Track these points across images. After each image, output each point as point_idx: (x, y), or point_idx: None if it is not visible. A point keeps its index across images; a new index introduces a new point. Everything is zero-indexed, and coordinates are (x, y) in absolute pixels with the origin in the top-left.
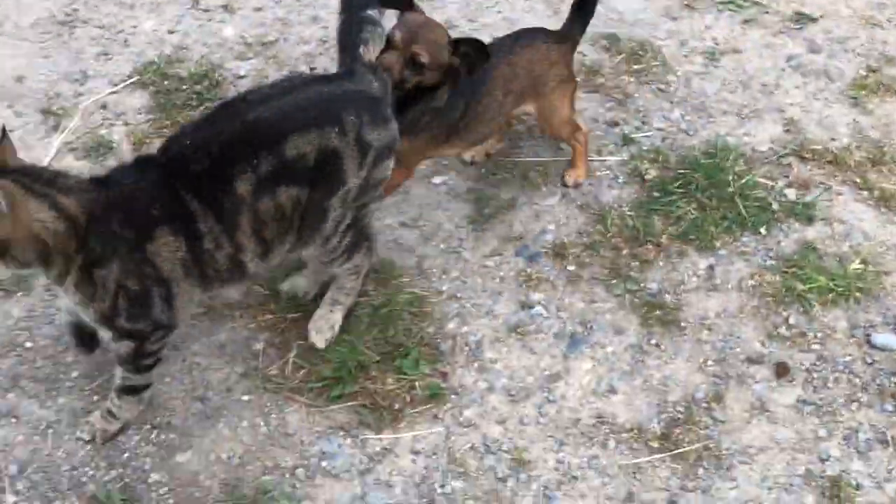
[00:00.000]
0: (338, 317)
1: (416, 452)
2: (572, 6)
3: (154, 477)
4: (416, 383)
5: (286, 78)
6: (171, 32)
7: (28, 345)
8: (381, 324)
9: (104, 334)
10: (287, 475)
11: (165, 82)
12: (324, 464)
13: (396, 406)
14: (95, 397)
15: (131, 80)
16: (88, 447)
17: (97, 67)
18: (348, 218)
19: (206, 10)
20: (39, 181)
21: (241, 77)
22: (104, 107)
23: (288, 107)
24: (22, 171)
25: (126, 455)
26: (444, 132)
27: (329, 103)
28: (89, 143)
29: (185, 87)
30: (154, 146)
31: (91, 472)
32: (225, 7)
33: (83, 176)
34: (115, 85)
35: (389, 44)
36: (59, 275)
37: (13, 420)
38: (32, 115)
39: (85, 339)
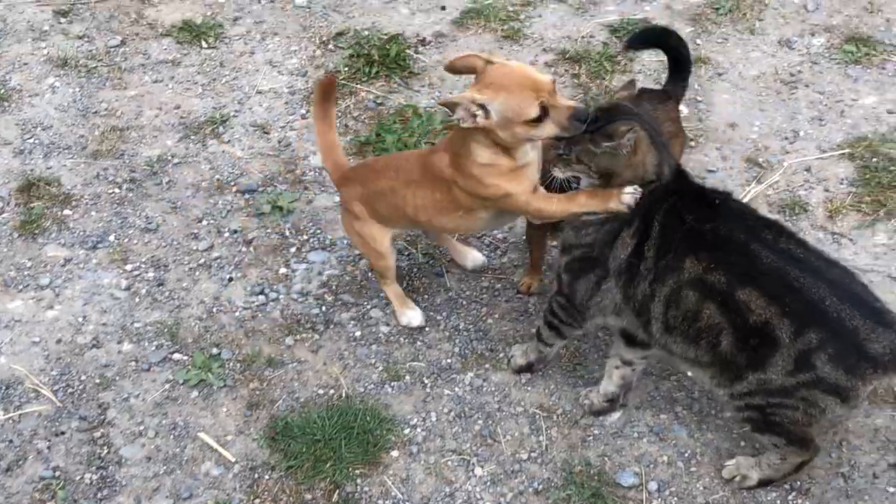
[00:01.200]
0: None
1: None
2: (669, 66)
3: None
4: None
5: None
6: (889, 113)
7: (689, 374)
8: None
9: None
10: None
11: (874, 159)
12: None
13: None
14: (742, 443)
15: (841, 151)
16: (727, 486)
17: (809, 130)
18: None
19: None
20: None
21: None
22: (808, 169)
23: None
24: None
25: None
26: None
27: None
28: (786, 200)
29: (893, 167)
30: (850, 218)
31: None
32: None
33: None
34: (824, 151)
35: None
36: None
37: (661, 440)
38: (737, 161)
39: None
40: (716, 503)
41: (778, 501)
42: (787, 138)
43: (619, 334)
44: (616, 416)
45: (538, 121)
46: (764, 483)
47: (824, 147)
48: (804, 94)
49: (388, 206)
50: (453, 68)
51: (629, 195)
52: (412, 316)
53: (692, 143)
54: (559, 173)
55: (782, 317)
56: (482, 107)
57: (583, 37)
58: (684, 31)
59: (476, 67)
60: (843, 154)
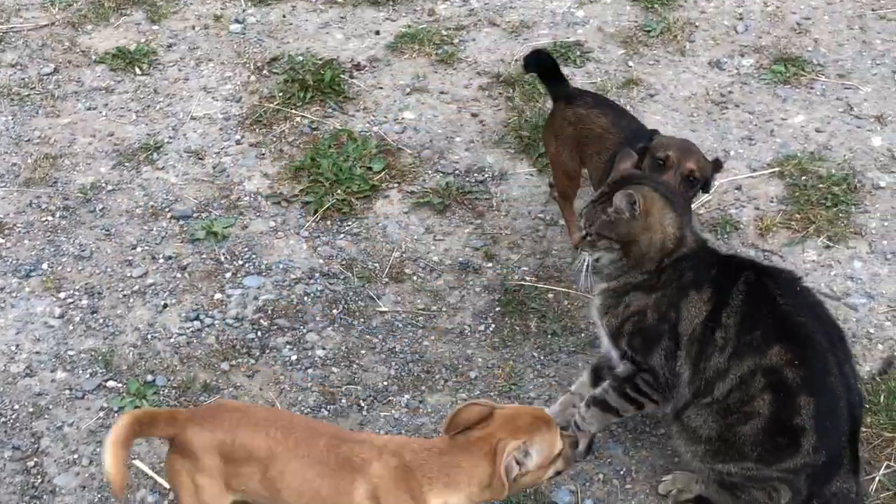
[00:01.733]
0: None
1: None
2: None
3: None
4: None
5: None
6: (818, 131)
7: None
8: None
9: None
10: None
11: (803, 177)
12: None
13: None
14: (676, 458)
15: (771, 169)
16: (663, 502)
17: (739, 149)
18: None
19: (857, 117)
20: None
21: (881, 187)
22: (739, 188)
23: None
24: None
25: None
26: None
27: None
28: (717, 219)
29: (822, 185)
30: (780, 236)
31: None
32: (878, 118)
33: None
34: (754, 170)
35: (664, 163)
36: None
37: (597, 459)
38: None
39: None
40: None
41: None
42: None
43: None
44: None
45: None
46: (702, 501)
47: (754, 166)
48: (734, 113)
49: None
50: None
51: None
52: None
53: None
54: (587, 255)
55: (814, 433)
56: (526, 451)
57: (516, 60)
58: (616, 53)
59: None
60: (773, 173)
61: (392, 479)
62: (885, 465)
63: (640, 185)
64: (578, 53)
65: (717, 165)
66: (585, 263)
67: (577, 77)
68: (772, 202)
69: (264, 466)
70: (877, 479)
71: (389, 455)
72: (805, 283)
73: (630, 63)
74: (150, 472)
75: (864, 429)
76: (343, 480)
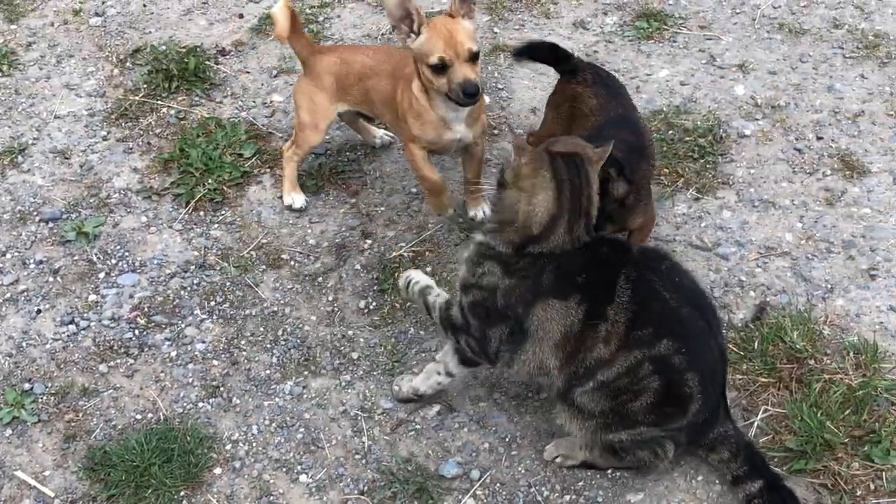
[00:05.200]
0: None
1: None
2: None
3: None
4: (884, 474)
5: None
6: (682, 84)
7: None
8: (854, 406)
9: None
10: None
11: (670, 131)
12: None
13: (858, 493)
14: (558, 420)
15: None
16: (548, 467)
17: None
18: None
19: (720, 67)
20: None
21: (746, 136)
22: None
23: None
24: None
25: (581, 483)
26: None
27: None
28: None
29: (688, 138)
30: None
31: (546, 493)
32: (741, 66)
33: None
34: None
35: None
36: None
37: (482, 428)
38: None
39: None
40: (538, 484)
41: (599, 476)
42: None
43: (457, 353)
44: (435, 409)
45: (438, 70)
46: (588, 466)
47: None
48: None
49: (357, 85)
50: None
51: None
52: (296, 198)
53: (495, 132)
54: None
55: (699, 398)
56: (414, 32)
57: (382, 34)
58: (482, 20)
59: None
60: None
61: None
62: (762, 409)
63: (553, 157)
64: None
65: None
66: (470, 249)
67: None
68: None
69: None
70: (755, 423)
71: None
72: (675, 262)
73: (496, 29)
74: (33, 482)
75: (739, 376)
76: (396, 81)
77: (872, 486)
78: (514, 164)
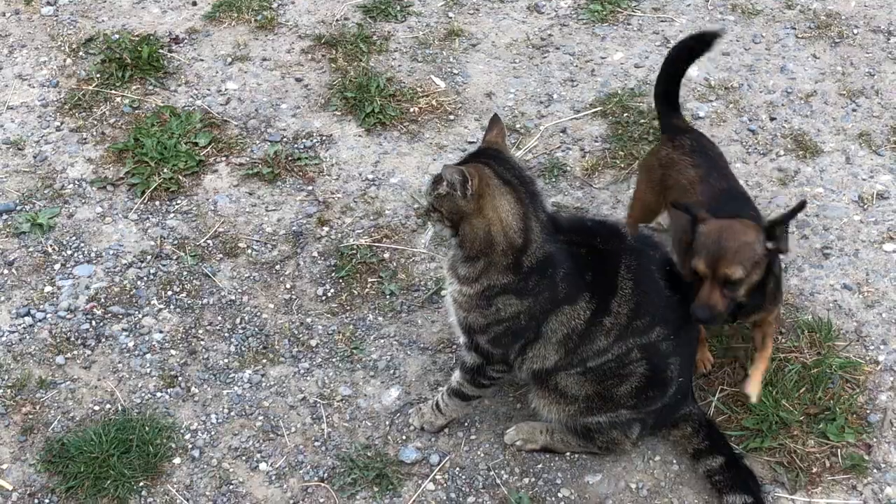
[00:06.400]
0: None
1: None
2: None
3: (564, 493)
4: (839, 451)
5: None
6: (637, 67)
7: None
8: (809, 384)
9: (462, 338)
10: None
11: (625, 114)
12: None
13: (814, 470)
14: (518, 405)
15: (593, 109)
16: (507, 450)
17: (562, 92)
18: None
19: None
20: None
21: (700, 118)
22: (564, 131)
23: None
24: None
25: (540, 466)
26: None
27: None
28: (545, 164)
29: (643, 121)
30: (606, 175)
31: (505, 476)
32: None
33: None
34: (577, 111)
35: (696, 274)
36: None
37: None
38: None
39: None
40: (497, 467)
41: (557, 458)
42: (542, 102)
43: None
44: (394, 394)
45: None
46: (547, 450)
47: (578, 107)
48: (555, 56)
49: None
50: None
51: None
52: None
53: (451, 117)
54: (431, 225)
55: (677, 381)
56: None
57: (337, 20)
58: (436, 5)
59: None
60: (596, 112)
61: None
62: (719, 389)
63: (486, 165)
64: (399, 8)
65: (801, 206)
66: (428, 235)
67: (400, 33)
68: (596, 142)
69: None
70: (713, 403)
71: None
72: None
73: (450, 14)
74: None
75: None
76: None
77: (828, 464)
78: (470, 190)
